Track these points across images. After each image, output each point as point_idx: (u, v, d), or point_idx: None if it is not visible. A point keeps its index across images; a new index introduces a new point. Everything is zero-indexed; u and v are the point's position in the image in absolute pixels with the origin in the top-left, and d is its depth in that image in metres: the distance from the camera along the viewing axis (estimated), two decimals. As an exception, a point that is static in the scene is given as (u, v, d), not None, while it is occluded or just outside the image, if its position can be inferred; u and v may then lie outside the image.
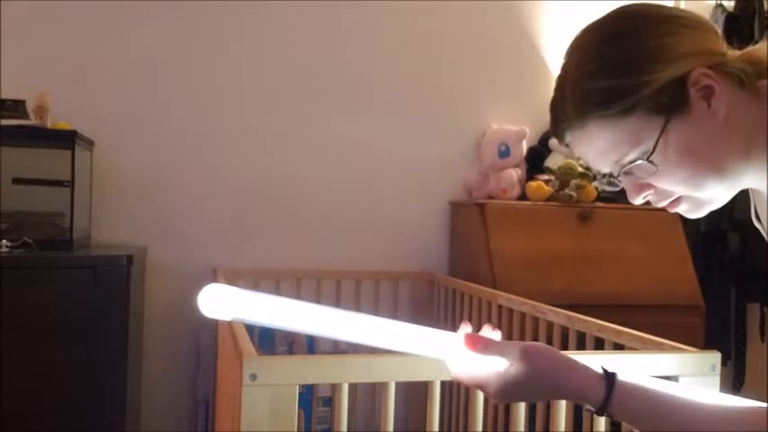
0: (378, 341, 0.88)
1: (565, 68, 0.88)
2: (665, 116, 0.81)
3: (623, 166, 0.85)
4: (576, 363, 0.85)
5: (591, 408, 0.83)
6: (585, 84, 0.84)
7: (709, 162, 0.83)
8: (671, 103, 0.81)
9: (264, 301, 0.81)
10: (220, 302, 0.78)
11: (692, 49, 0.82)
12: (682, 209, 0.89)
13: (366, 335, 0.87)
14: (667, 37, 0.82)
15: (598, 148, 0.86)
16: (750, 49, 0.86)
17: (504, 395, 0.87)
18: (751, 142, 0.82)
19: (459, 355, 0.90)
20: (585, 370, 0.84)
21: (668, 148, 0.82)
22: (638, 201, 0.89)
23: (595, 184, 0.95)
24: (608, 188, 0.92)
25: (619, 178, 0.88)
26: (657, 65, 0.81)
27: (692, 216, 0.90)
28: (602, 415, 0.83)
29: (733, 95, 0.82)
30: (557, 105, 0.89)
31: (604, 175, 0.90)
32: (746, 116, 0.82)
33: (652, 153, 0.82)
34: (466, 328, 0.91)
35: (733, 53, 0.85)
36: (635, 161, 0.84)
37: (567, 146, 0.91)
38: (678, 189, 0.86)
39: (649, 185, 0.87)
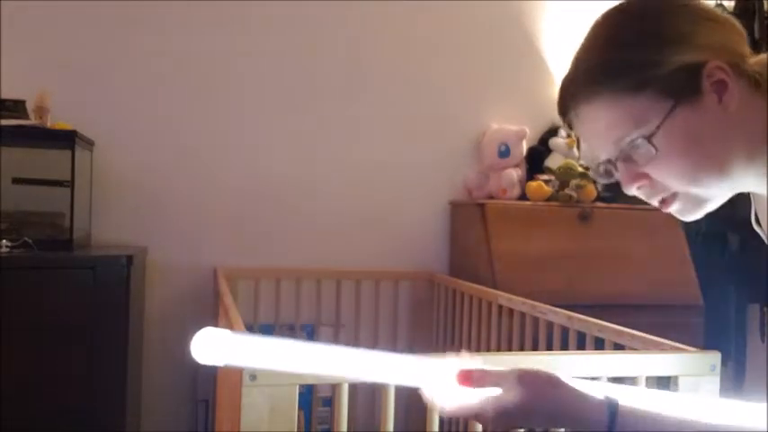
0: (372, 377, 0.86)
1: (583, 44, 0.87)
2: (674, 100, 0.80)
3: (622, 149, 0.83)
4: (576, 389, 0.82)
5: None
6: (602, 55, 0.84)
7: (711, 157, 0.81)
8: (682, 89, 0.80)
9: (258, 344, 0.79)
10: (213, 348, 0.77)
11: (713, 43, 0.81)
12: (675, 208, 0.87)
13: (360, 371, 0.85)
14: (691, 24, 0.82)
15: (601, 126, 0.84)
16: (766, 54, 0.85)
17: (503, 421, 0.81)
18: (755, 144, 0.81)
19: (447, 389, 0.85)
20: (586, 396, 0.81)
21: (672, 134, 0.80)
22: (631, 190, 0.86)
23: (591, 174, 0.92)
24: (602, 180, 0.91)
25: (616, 164, 0.85)
26: (676, 47, 0.80)
27: (686, 218, 0.88)
28: None
29: (746, 96, 0.81)
30: (568, 79, 0.88)
31: (599, 165, 0.87)
32: (755, 118, 0.81)
33: (654, 134, 0.80)
34: (455, 360, 0.87)
35: (756, 58, 0.84)
36: (636, 141, 0.81)
37: (570, 127, 0.89)
38: (675, 182, 0.84)
39: (646, 176, 0.84)
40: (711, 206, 0.86)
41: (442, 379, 0.86)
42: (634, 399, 0.82)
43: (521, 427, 0.86)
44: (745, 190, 0.89)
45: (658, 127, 0.80)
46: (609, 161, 0.86)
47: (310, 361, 0.82)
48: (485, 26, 2.83)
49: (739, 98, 0.81)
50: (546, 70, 2.87)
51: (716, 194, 0.85)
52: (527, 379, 0.81)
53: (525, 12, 2.87)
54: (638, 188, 0.86)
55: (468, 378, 0.84)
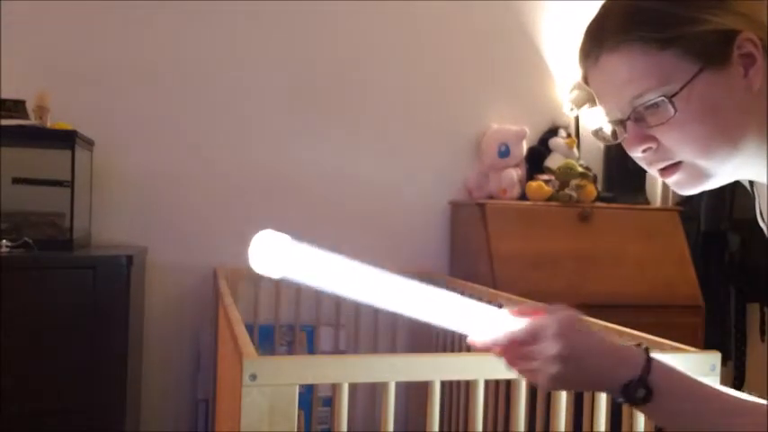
0: (423, 315, 0.85)
1: None
2: (700, 63, 0.78)
3: (637, 107, 0.80)
4: (605, 336, 0.83)
5: (621, 396, 0.78)
6: (637, 1, 0.81)
7: (726, 129, 0.79)
8: (711, 53, 0.78)
9: (316, 258, 0.77)
10: (272, 257, 0.75)
11: (751, 14, 0.80)
12: (675, 179, 0.84)
13: (411, 306, 0.84)
14: None
15: (621, 79, 0.81)
16: None
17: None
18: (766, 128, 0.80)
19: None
20: (619, 345, 0.82)
21: (692, 98, 0.78)
22: (636, 153, 0.83)
23: (594, 135, 0.90)
24: (603, 142, 0.88)
25: (626, 124, 0.82)
26: (715, 9, 0.78)
27: (683, 191, 0.85)
28: (636, 395, 0.77)
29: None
30: (595, 22, 0.84)
31: (599, 129, 0.85)
32: None
33: (676, 94, 0.78)
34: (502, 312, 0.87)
35: None
36: (655, 99, 0.79)
37: (585, 79, 0.87)
38: (684, 150, 0.81)
39: (654, 139, 0.81)
40: (712, 183, 0.84)
41: (488, 326, 0.86)
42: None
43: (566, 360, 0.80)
44: (747, 176, 0.87)
45: (682, 88, 0.78)
46: (619, 120, 0.83)
47: (364, 286, 0.83)
48: (485, 26, 2.83)
49: (763, 76, 0.79)
50: (546, 70, 2.87)
51: (720, 171, 0.83)
52: (563, 320, 0.81)
53: (525, 12, 2.87)
54: (644, 151, 0.83)
55: (518, 311, 0.85)
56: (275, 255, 0.74)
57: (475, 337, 0.86)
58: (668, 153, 0.82)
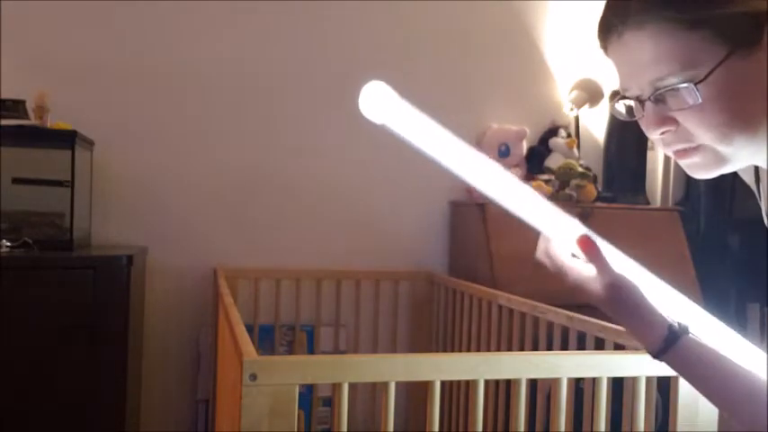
0: (506, 201, 0.91)
1: None
2: (729, 47, 0.75)
3: (659, 89, 0.77)
4: (648, 309, 0.88)
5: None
6: None
7: (749, 114, 0.77)
8: (741, 35, 0.75)
9: (418, 120, 0.85)
10: (380, 103, 0.81)
11: None
12: (692, 160, 0.82)
13: (494, 188, 0.89)
14: None
15: (644, 59, 0.78)
16: None
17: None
18: None
19: (563, 242, 0.94)
20: (652, 321, 0.87)
21: (719, 83, 0.75)
22: (654, 135, 0.81)
23: (610, 105, 0.90)
24: (620, 116, 0.85)
25: (644, 103, 0.80)
26: None
27: (698, 174, 0.84)
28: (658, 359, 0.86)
29: None
30: None
31: (619, 99, 0.83)
32: None
33: (703, 80, 0.75)
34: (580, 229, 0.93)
35: None
36: (678, 84, 0.76)
37: (605, 50, 0.84)
38: (704, 135, 0.78)
39: (675, 121, 0.79)
40: (728, 168, 0.83)
41: (564, 232, 0.93)
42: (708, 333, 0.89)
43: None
44: (761, 163, 0.85)
45: (708, 74, 0.75)
46: (637, 98, 0.81)
47: (458, 155, 0.89)
48: (485, 26, 2.83)
49: None
50: (546, 70, 2.87)
51: (737, 157, 0.81)
52: (615, 287, 0.90)
53: (526, 11, 2.87)
54: (663, 133, 0.81)
55: (587, 245, 0.94)
56: (383, 102, 0.82)
57: (541, 255, 0.98)
58: (688, 136, 0.80)
